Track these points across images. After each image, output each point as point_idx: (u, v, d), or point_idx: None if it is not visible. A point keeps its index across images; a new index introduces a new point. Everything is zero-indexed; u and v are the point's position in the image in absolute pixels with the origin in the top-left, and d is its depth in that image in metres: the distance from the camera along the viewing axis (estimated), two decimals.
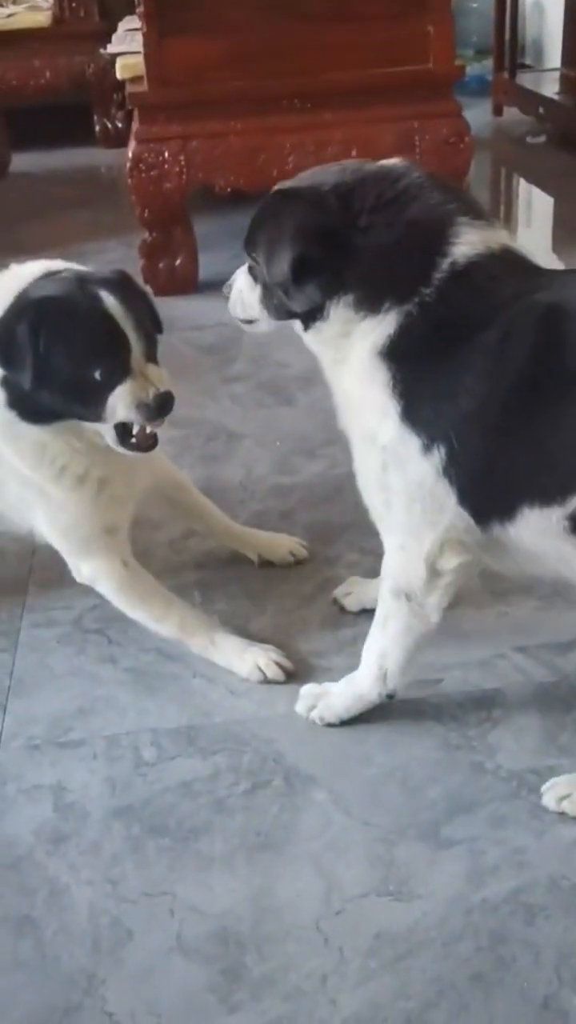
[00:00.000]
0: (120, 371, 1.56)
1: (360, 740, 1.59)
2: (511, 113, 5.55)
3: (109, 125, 5.42)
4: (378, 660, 1.57)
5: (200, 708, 1.69)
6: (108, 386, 1.56)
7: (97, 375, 1.55)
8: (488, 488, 1.39)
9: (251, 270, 1.55)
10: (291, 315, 1.49)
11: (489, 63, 5.73)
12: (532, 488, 1.35)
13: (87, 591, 1.90)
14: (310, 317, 1.46)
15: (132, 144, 3.25)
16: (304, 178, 1.48)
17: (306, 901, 1.35)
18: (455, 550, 1.45)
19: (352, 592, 1.87)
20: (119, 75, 3.54)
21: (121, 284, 1.61)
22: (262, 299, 1.53)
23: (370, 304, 1.38)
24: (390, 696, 1.60)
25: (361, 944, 1.29)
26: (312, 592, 1.93)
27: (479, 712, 1.62)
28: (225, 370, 2.86)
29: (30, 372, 1.52)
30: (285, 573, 1.99)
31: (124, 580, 1.76)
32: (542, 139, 5.20)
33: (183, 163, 3.20)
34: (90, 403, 1.57)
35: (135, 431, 1.61)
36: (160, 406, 1.58)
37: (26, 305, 1.55)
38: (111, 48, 3.98)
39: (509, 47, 5.47)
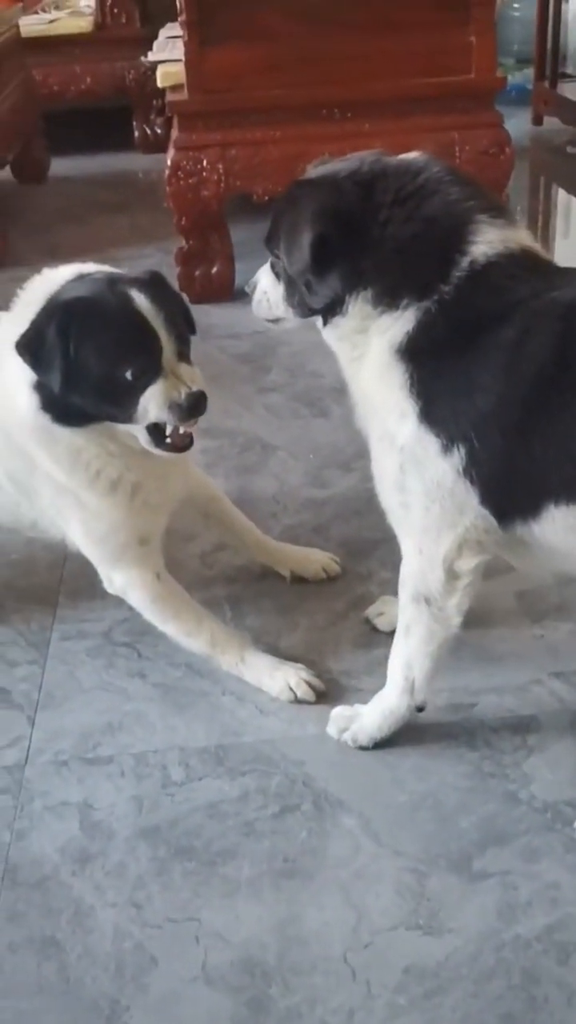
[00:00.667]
0: (151, 371, 1.54)
1: (392, 765, 1.56)
2: (551, 122, 5.50)
3: (148, 131, 5.43)
4: (404, 671, 1.55)
5: (229, 727, 1.66)
6: (140, 386, 1.53)
7: (128, 375, 1.52)
8: (511, 487, 1.37)
9: (273, 267, 1.54)
10: (313, 311, 1.47)
11: (530, 72, 5.68)
12: (557, 485, 1.33)
13: (118, 603, 1.89)
14: (330, 311, 1.44)
15: (171, 151, 3.24)
16: (320, 169, 1.47)
17: (334, 932, 1.32)
18: (473, 550, 1.43)
19: (384, 612, 1.84)
20: (160, 83, 3.53)
21: (152, 284, 1.59)
22: (285, 296, 1.52)
23: (388, 299, 1.37)
24: (420, 709, 1.58)
25: (389, 979, 1.26)
26: (344, 609, 1.91)
27: (513, 739, 1.59)
28: (260, 380, 2.84)
29: (59, 374, 1.51)
30: (317, 589, 1.96)
31: (156, 592, 1.74)
32: None
33: (222, 171, 3.19)
34: (122, 404, 1.55)
35: (169, 431, 1.59)
36: (192, 406, 1.55)
37: (55, 307, 1.54)
38: (152, 56, 3.98)
39: (551, 56, 5.42)
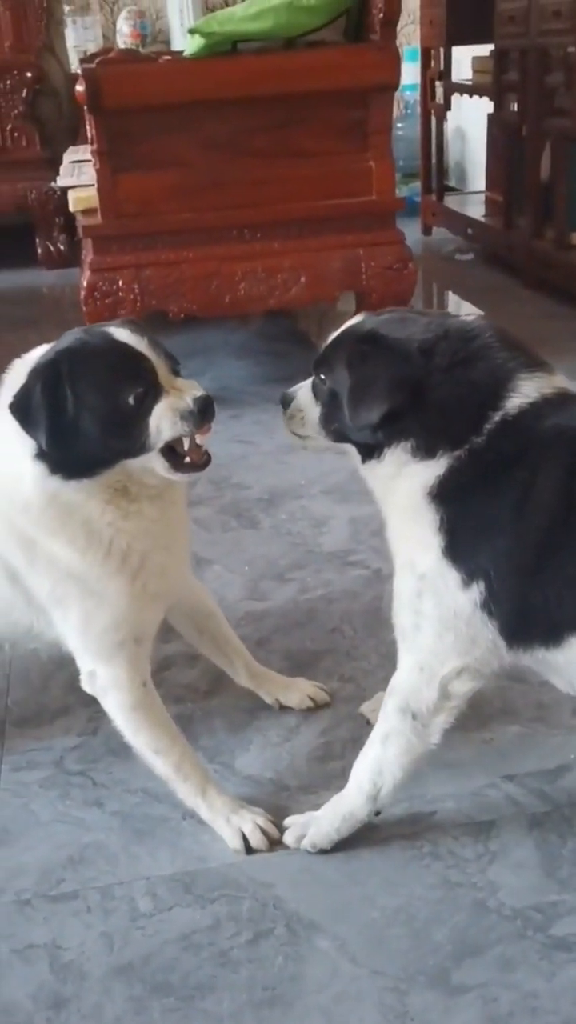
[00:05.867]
0: (152, 390, 1.55)
1: (360, 881, 1.57)
2: (439, 232, 5.81)
3: (52, 247, 5.53)
4: (373, 777, 1.58)
5: (193, 852, 1.65)
6: (145, 409, 1.54)
7: (131, 400, 1.53)
8: (530, 620, 1.44)
9: (314, 388, 1.60)
10: (345, 440, 1.56)
11: (416, 185, 6.00)
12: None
13: (65, 730, 1.89)
14: (366, 453, 1.52)
15: (87, 273, 3.31)
16: (392, 323, 1.52)
17: None
18: (472, 676, 1.50)
19: (378, 709, 1.88)
20: (72, 207, 3.62)
21: (128, 322, 1.63)
22: (322, 419, 1.59)
23: (425, 451, 1.44)
24: (377, 812, 1.61)
25: None
26: (296, 724, 1.93)
27: (476, 846, 1.62)
28: (187, 493, 2.87)
29: (46, 429, 1.50)
30: (267, 705, 1.97)
31: (139, 699, 1.68)
32: (470, 256, 5.44)
33: (137, 291, 3.28)
34: (132, 433, 1.55)
35: (187, 447, 1.59)
36: (203, 409, 1.56)
37: (41, 366, 1.54)
38: (60, 181, 4.08)
39: (436, 172, 5.74)
